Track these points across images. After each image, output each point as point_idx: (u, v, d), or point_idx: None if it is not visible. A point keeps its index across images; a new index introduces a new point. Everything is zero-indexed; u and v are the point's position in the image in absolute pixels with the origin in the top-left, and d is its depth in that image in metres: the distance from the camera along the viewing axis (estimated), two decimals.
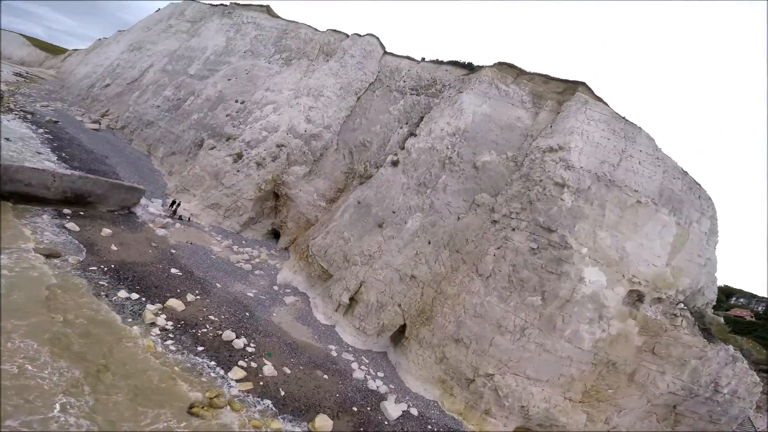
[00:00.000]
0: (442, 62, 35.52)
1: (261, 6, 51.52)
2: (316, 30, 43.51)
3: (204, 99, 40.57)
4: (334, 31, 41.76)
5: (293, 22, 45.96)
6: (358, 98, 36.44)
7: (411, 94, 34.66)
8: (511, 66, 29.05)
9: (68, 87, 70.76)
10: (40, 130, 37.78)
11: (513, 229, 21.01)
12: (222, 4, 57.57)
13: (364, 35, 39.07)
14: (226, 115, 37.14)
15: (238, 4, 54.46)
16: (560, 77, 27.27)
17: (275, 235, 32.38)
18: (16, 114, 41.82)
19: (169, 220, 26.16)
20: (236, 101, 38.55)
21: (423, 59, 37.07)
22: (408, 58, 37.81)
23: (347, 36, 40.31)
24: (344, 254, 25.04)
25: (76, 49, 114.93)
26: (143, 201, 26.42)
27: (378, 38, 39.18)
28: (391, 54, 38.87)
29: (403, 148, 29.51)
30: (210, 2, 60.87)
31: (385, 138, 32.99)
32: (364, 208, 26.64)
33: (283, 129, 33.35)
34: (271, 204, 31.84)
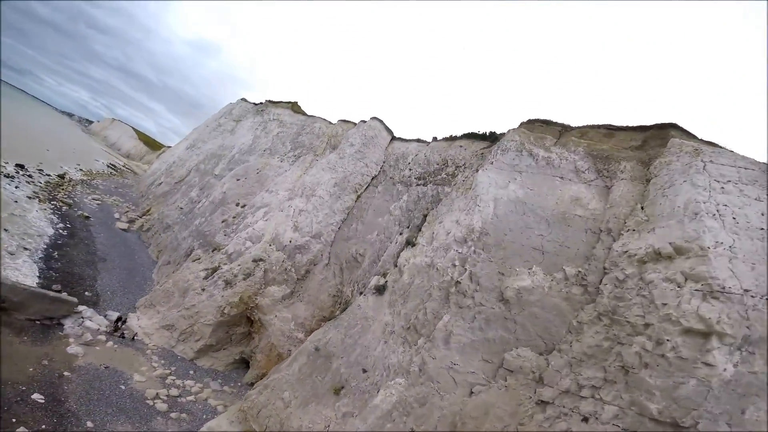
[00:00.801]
0: (455, 138, 28.26)
1: (288, 102, 52.01)
2: (330, 123, 41.12)
3: (210, 201, 39.16)
4: (344, 121, 38.81)
5: (311, 117, 44.48)
6: (358, 197, 31.34)
7: (417, 185, 28.18)
8: (547, 122, 20.71)
9: (139, 183, 78.67)
10: (61, 225, 37.54)
11: (584, 420, 11.56)
12: (261, 102, 60.07)
13: (367, 120, 34.93)
14: (222, 221, 34.55)
15: (271, 101, 55.97)
16: (632, 125, 18.15)
17: (248, 365, 26.58)
18: (53, 204, 42.57)
19: (102, 337, 22.54)
20: (237, 204, 36.15)
21: (434, 138, 30.81)
22: (417, 140, 32.12)
23: (355, 125, 36.82)
24: (280, 422, 17.77)
25: (169, 146, 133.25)
26: (88, 313, 23.76)
27: (382, 122, 34.50)
28: (400, 139, 33.78)
29: (396, 266, 22.72)
30: (254, 101, 64.19)
31: (381, 249, 26.55)
32: (322, 359, 19.57)
33: (266, 239, 29.10)
34: (243, 329, 26.61)
